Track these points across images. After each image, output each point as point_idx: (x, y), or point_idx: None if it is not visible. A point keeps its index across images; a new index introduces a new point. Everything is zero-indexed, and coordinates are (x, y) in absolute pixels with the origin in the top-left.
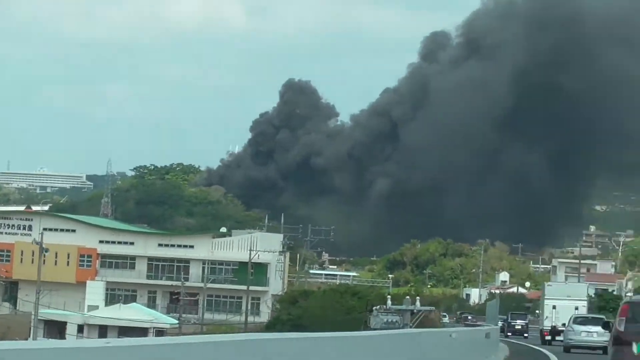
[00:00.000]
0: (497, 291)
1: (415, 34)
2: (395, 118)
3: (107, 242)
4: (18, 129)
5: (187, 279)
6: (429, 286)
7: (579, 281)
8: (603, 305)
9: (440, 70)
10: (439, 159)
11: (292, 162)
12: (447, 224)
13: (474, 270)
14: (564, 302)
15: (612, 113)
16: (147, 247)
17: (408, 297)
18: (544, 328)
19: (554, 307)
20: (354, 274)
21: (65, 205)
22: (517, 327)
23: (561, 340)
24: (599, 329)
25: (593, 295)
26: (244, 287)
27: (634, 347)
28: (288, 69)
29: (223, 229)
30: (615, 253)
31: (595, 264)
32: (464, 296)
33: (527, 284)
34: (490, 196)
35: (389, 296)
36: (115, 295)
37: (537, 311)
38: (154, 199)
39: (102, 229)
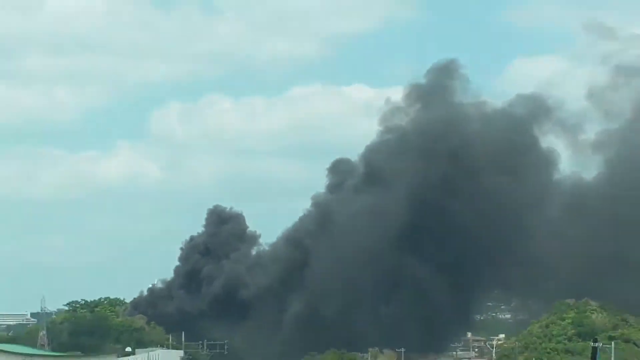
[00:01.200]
0: None
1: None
2: (307, 246)
3: None
4: None
5: None
6: None
7: None
8: None
9: (343, 199)
10: (345, 280)
11: (218, 292)
12: (349, 336)
13: None
14: None
15: (495, 233)
16: None
17: None
18: None
19: None
20: None
21: (7, 338)
22: None
23: None
24: None
25: None
26: None
27: None
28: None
29: (128, 349)
30: (490, 353)
31: None
32: None
33: None
34: (393, 308)
35: None
36: None
37: None
38: (85, 330)
39: (18, 355)
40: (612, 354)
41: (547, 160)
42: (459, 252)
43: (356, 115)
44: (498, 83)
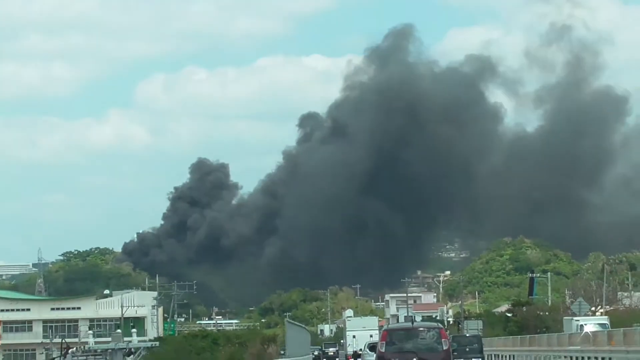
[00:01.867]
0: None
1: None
2: (279, 195)
3: (7, 310)
4: None
5: (76, 336)
6: None
7: (407, 311)
8: None
9: (310, 149)
10: (312, 225)
11: (201, 240)
12: (316, 277)
13: (318, 308)
14: (361, 332)
15: (445, 179)
16: (41, 311)
17: None
18: (347, 353)
19: (354, 336)
20: (236, 321)
21: (9, 286)
22: (329, 353)
23: None
24: None
25: (418, 321)
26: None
27: None
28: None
29: (106, 291)
30: (437, 288)
31: (420, 296)
32: (319, 332)
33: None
34: (355, 250)
35: None
36: (17, 354)
37: (341, 340)
38: (78, 277)
39: (3, 300)
40: (549, 284)
41: (493, 114)
42: (413, 196)
43: (315, 82)
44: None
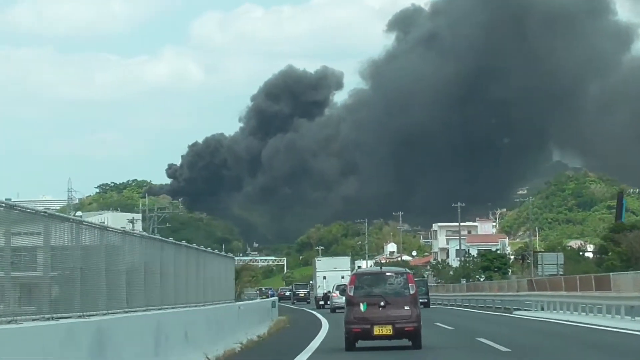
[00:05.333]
0: (384, 260)
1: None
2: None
3: None
4: (24, 168)
5: None
6: None
7: (459, 244)
8: (487, 265)
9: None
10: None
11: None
12: (359, 208)
13: (360, 243)
14: (331, 273)
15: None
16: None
17: None
18: (317, 295)
19: (324, 277)
20: (272, 257)
21: None
22: (300, 295)
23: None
24: None
25: (475, 255)
26: None
27: (361, 307)
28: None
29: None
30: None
31: (476, 226)
32: (356, 267)
33: (414, 252)
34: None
35: None
36: None
37: (310, 282)
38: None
39: None
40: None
41: (619, 34)
42: (503, 120)
43: (373, 21)
44: None
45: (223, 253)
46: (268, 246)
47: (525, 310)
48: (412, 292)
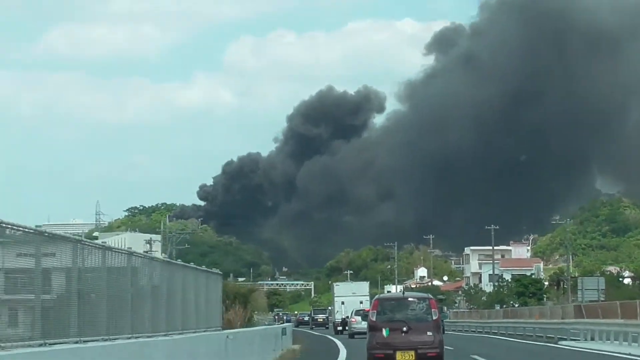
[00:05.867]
0: (414, 285)
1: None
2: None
3: None
4: (56, 190)
5: None
6: None
7: (493, 268)
8: (522, 290)
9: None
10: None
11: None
12: (392, 232)
13: (390, 267)
14: (350, 298)
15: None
16: None
17: None
18: (336, 320)
19: (342, 302)
20: (301, 282)
21: None
22: (319, 320)
23: None
24: None
25: (510, 280)
26: None
27: (384, 332)
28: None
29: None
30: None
31: (510, 250)
32: (385, 291)
33: (445, 277)
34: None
35: None
36: None
37: (329, 307)
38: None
39: None
40: None
41: None
42: (542, 143)
43: (406, 47)
44: None
45: (203, 267)
46: (297, 270)
47: (573, 340)
48: (434, 318)
